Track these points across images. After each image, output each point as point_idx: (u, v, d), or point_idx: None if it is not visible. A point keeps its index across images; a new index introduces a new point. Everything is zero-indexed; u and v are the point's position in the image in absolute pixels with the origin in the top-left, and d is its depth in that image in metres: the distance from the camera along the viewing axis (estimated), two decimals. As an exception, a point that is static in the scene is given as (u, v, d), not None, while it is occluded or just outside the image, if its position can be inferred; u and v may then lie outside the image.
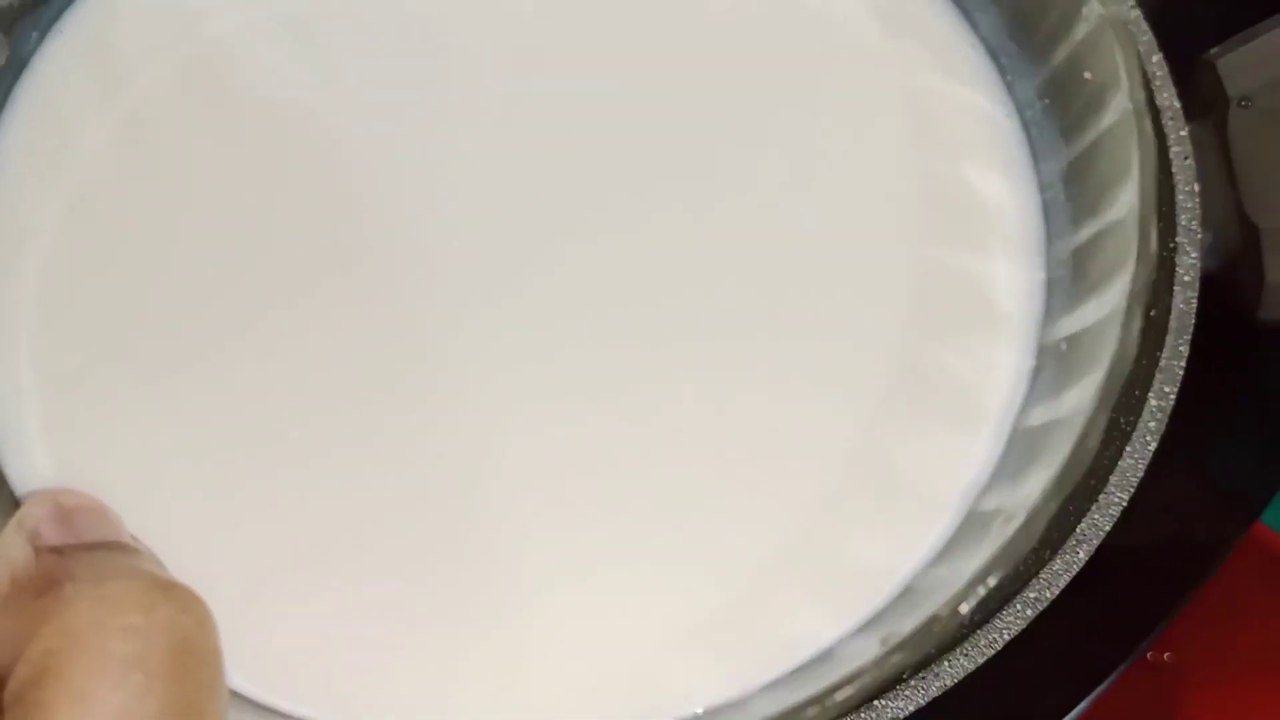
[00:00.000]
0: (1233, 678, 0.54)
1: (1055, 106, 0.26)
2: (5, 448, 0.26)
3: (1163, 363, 0.36)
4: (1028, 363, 0.26)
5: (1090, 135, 0.26)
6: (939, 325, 0.27)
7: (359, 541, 0.26)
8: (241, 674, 0.23)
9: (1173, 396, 0.36)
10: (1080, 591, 0.36)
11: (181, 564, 0.24)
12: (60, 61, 0.28)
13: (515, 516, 0.26)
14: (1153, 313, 0.38)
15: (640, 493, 0.27)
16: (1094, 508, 0.35)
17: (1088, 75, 0.25)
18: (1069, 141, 0.26)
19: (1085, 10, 0.25)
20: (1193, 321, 0.36)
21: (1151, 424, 0.35)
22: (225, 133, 0.28)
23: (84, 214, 0.27)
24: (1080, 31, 0.26)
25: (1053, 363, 0.26)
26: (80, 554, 0.23)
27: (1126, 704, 0.46)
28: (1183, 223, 0.37)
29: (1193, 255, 0.37)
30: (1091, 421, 0.23)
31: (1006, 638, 0.34)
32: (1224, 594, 0.46)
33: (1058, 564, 0.34)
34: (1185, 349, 0.36)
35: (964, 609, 0.22)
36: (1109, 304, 0.25)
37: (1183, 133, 0.38)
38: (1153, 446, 0.35)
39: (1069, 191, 0.27)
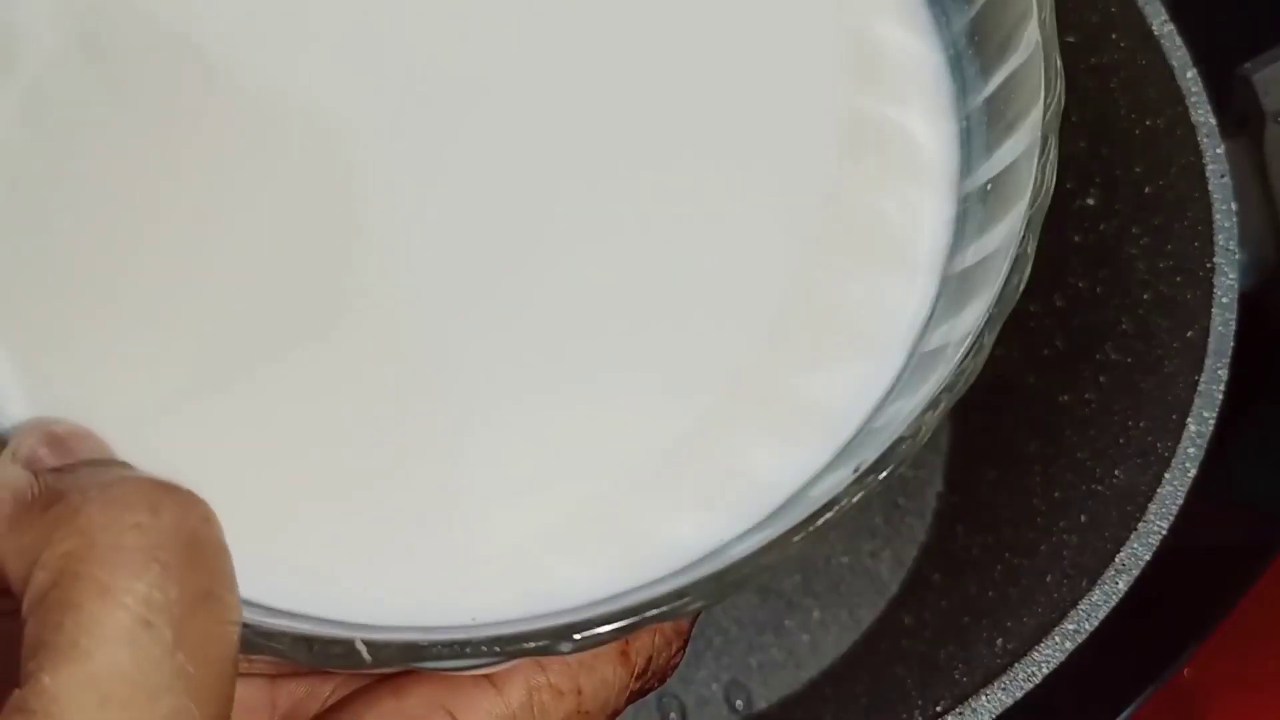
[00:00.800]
0: (1253, 695, 0.54)
1: None
2: None
3: (1201, 387, 0.35)
4: (952, 208, 0.28)
5: None
6: (868, 171, 0.28)
7: (303, 416, 0.27)
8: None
9: (1212, 421, 0.35)
10: (1112, 611, 0.36)
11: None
12: None
13: (458, 363, 0.27)
14: (1189, 334, 0.37)
15: (587, 335, 0.27)
16: (1133, 537, 0.34)
17: None
18: (969, 2, 0.29)
19: None
20: (1231, 344, 0.36)
21: (1191, 450, 0.34)
22: (127, 90, 0.29)
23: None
24: None
25: (979, 206, 0.27)
26: (80, 469, 0.24)
27: (1147, 721, 0.46)
28: (1220, 242, 0.37)
29: (1230, 277, 0.36)
30: (1023, 245, 0.24)
31: (1045, 670, 0.33)
32: (1245, 610, 0.46)
33: (1096, 595, 0.34)
34: (1224, 373, 0.35)
35: (926, 424, 0.24)
36: (1025, 140, 0.26)
37: (1219, 150, 0.37)
38: (1192, 473, 0.34)
39: (975, 46, 0.28)
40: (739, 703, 0.46)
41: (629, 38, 0.29)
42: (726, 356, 0.27)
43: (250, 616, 0.23)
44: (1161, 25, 0.39)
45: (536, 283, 0.27)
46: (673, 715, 0.46)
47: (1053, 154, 0.25)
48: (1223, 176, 0.37)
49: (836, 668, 0.46)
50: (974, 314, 0.25)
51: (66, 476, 0.23)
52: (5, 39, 0.29)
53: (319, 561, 0.26)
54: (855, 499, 0.23)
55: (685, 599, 0.23)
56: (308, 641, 0.23)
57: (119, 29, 0.29)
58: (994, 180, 0.27)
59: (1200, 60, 0.39)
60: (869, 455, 0.24)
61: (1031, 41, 0.26)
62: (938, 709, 0.34)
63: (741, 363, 0.27)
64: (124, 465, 0.25)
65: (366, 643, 0.23)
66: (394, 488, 0.26)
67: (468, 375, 0.27)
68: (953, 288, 0.27)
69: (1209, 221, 0.37)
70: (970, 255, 0.27)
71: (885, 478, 0.23)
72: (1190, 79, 0.38)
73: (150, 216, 0.28)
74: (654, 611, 0.23)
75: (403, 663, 0.23)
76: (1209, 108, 0.38)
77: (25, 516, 0.22)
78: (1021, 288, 0.24)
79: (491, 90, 0.29)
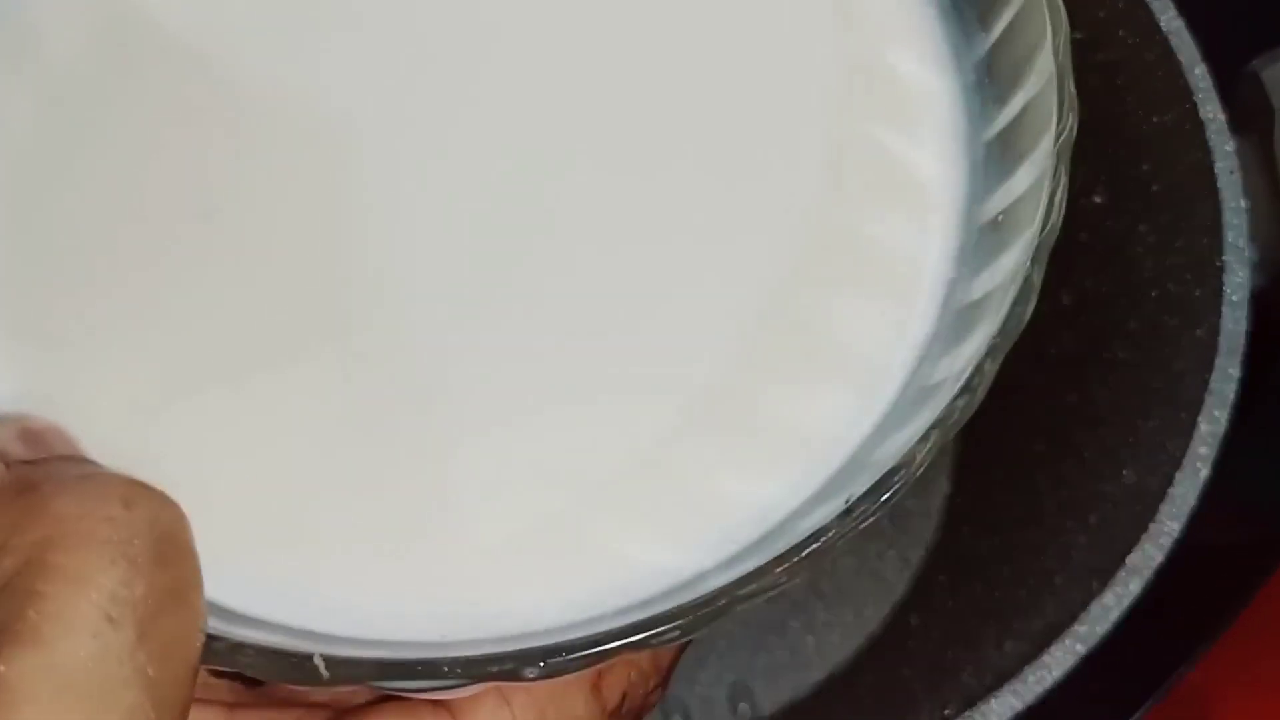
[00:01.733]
0: (1260, 695, 0.53)
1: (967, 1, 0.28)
2: None
3: (1213, 386, 0.35)
4: (958, 241, 0.27)
5: (1003, 20, 0.28)
6: (872, 200, 0.28)
7: (287, 422, 0.27)
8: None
9: (1224, 421, 0.35)
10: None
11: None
12: None
13: (436, 375, 0.27)
14: (1199, 332, 0.37)
15: (571, 354, 0.27)
16: (1145, 538, 0.34)
17: None
18: (986, 28, 0.28)
19: None
20: (1242, 343, 0.35)
21: (1203, 450, 0.34)
22: (145, 87, 0.29)
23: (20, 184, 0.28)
24: None
25: (988, 238, 0.27)
26: (53, 462, 0.24)
27: (1153, 723, 0.45)
28: (1229, 240, 0.36)
29: (1241, 274, 0.36)
30: (1030, 274, 0.24)
31: (1057, 674, 0.33)
32: (1251, 611, 0.45)
33: (1108, 597, 0.33)
34: (1236, 371, 0.35)
35: (921, 456, 0.23)
36: (1036, 170, 0.26)
37: (1228, 147, 0.37)
38: (1205, 474, 0.34)
39: (989, 77, 0.28)
40: (743, 705, 0.46)
41: (635, 60, 0.29)
42: (714, 381, 0.27)
43: (212, 623, 0.23)
44: (1169, 21, 0.39)
45: (524, 297, 0.27)
46: (676, 718, 0.46)
47: (1063, 183, 0.25)
48: (1232, 173, 0.37)
49: (842, 670, 0.46)
50: (975, 344, 0.25)
51: (39, 469, 0.23)
52: (24, 36, 0.29)
53: (288, 573, 0.26)
54: (846, 531, 0.23)
55: (656, 630, 0.22)
56: (265, 653, 0.23)
57: (134, 31, 0.29)
58: (1004, 211, 0.27)
59: (1208, 56, 0.38)
60: (861, 486, 0.24)
61: (1045, 71, 0.26)
62: (946, 712, 0.33)
63: (729, 388, 0.27)
64: (94, 464, 0.24)
65: (324, 658, 0.22)
66: (369, 502, 0.26)
67: (454, 392, 0.27)
68: (955, 320, 0.27)
69: (1218, 219, 0.37)
70: (977, 287, 0.26)
71: (878, 510, 0.23)
72: (1198, 75, 0.38)
73: (150, 215, 0.28)
74: (623, 641, 0.22)
75: (361, 681, 0.23)
76: (1218, 104, 0.38)
77: None
78: (1027, 317, 0.24)
79: (490, 102, 0.29)
